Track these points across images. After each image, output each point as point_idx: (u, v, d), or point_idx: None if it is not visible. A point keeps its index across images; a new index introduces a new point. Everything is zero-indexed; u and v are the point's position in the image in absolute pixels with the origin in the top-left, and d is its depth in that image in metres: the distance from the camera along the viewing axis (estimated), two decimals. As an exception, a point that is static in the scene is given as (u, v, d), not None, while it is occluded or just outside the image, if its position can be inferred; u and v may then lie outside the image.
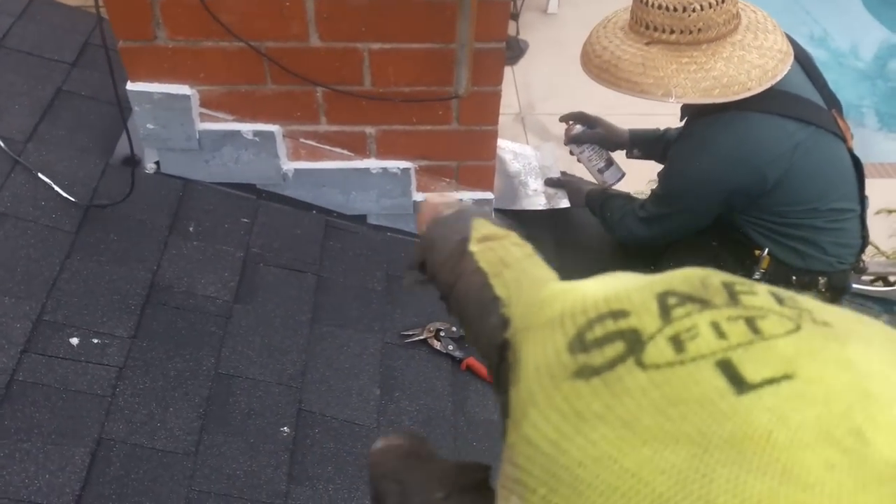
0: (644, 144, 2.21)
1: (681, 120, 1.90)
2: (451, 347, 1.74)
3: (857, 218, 1.82)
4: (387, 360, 1.67)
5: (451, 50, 1.53)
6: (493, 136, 1.74)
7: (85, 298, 1.49)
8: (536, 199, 2.19)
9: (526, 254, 0.71)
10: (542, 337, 0.48)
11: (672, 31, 1.59)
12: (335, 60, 1.58)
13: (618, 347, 0.41)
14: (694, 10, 1.57)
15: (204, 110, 1.69)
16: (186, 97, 1.64)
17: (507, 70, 7.37)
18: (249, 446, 1.40)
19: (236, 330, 1.57)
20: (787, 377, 0.35)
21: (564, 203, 2.18)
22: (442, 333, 1.76)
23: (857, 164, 1.82)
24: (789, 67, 1.62)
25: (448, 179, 1.85)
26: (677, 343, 0.39)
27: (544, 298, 0.54)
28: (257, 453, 1.39)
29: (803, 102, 1.71)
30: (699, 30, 1.57)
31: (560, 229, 2.17)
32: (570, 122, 2.19)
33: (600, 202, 2.08)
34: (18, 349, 1.36)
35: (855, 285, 1.90)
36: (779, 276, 1.80)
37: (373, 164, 1.78)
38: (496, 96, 1.67)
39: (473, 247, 0.70)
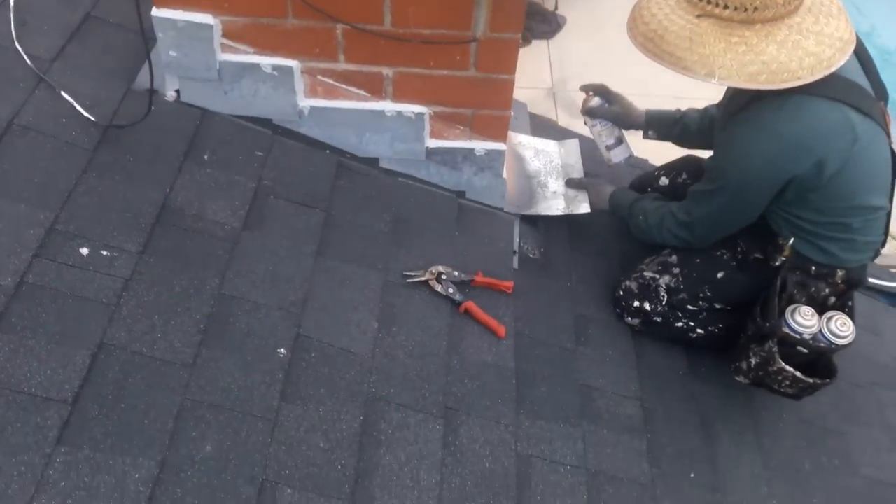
0: (661, 125, 2.16)
1: (726, 99, 1.82)
2: (451, 290, 1.76)
3: (886, 214, 1.77)
4: (387, 297, 1.70)
5: (471, -9, 1.54)
6: (510, 85, 1.75)
7: (97, 212, 1.53)
8: (555, 202, 2.10)
9: None
10: None
11: (726, 7, 1.48)
12: (356, -3, 1.59)
13: None
14: None
15: (225, 41, 1.71)
16: (209, 26, 1.67)
17: (543, 45, 7.28)
18: (246, 363, 1.44)
19: (242, 255, 1.61)
20: None
21: (584, 208, 2.08)
22: (443, 276, 1.78)
23: (893, 157, 1.75)
24: (847, 58, 1.52)
25: (462, 127, 1.86)
26: None
27: None
28: (252, 371, 1.43)
29: (860, 91, 1.63)
30: (755, 8, 1.46)
31: (576, 233, 2.14)
32: (590, 93, 2.17)
33: (628, 205, 1.98)
34: (30, 254, 1.41)
35: (871, 279, 1.87)
36: (798, 264, 1.77)
37: (388, 106, 1.80)
38: (514, 43, 1.67)
39: None
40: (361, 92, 1.79)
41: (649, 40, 1.57)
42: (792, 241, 1.74)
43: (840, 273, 1.76)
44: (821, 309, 1.78)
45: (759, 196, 1.68)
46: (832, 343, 1.71)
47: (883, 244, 1.81)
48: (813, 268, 1.76)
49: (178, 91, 1.80)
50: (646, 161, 2.54)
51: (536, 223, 2.10)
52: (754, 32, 1.49)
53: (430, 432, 1.52)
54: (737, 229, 1.81)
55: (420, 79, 1.75)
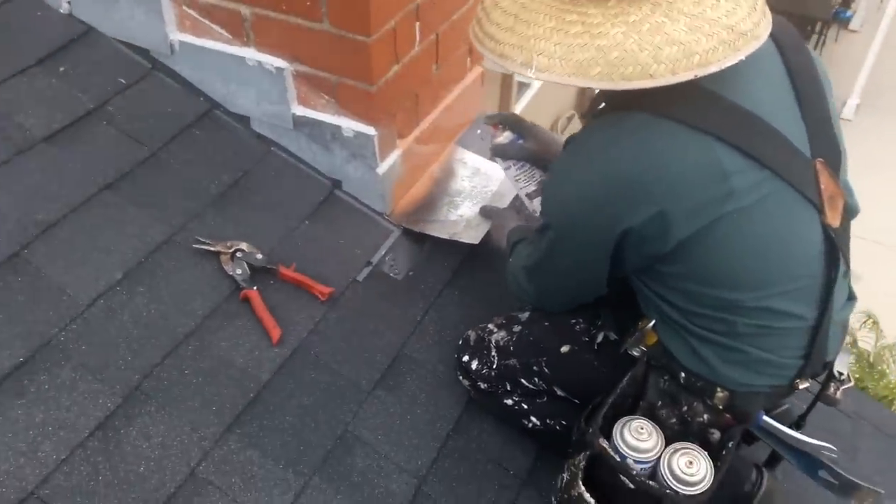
0: None
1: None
2: (239, 272, 1.47)
3: (807, 329, 1.16)
4: (158, 254, 1.45)
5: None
6: (366, 49, 1.44)
7: None
8: (449, 225, 1.72)
9: None
10: None
11: None
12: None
13: None
14: None
15: (106, -45, 1.63)
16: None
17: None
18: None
19: (15, 168, 1.48)
20: None
21: (472, 237, 1.68)
22: (239, 255, 1.50)
23: (833, 249, 1.14)
24: (741, 57, 0.99)
25: (328, 97, 1.58)
26: None
27: None
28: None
29: (766, 132, 1.08)
30: None
31: (469, 268, 1.74)
32: (498, 126, 1.65)
33: (512, 244, 1.51)
34: None
35: (765, 418, 1.21)
36: (664, 363, 1.23)
37: (249, 53, 1.58)
38: (368, -4, 1.37)
39: None
40: (224, 32, 1.60)
41: (477, 21, 1.16)
42: (652, 324, 1.20)
43: (720, 394, 1.18)
44: (698, 444, 1.21)
45: (586, 246, 1.17)
46: (668, 486, 1.14)
47: (802, 374, 1.18)
48: (682, 374, 1.20)
49: (70, 2, 1.74)
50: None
51: (423, 243, 1.73)
52: (603, 10, 1.01)
53: (94, 407, 1.24)
54: (584, 295, 1.30)
55: (277, 25, 1.51)
